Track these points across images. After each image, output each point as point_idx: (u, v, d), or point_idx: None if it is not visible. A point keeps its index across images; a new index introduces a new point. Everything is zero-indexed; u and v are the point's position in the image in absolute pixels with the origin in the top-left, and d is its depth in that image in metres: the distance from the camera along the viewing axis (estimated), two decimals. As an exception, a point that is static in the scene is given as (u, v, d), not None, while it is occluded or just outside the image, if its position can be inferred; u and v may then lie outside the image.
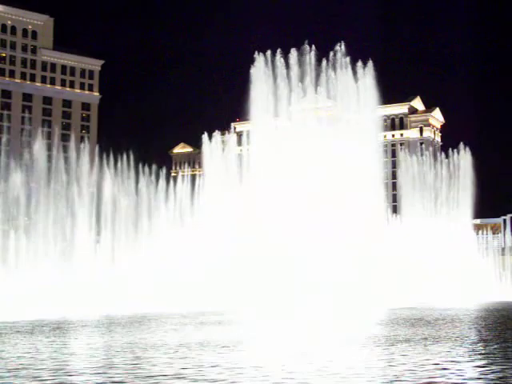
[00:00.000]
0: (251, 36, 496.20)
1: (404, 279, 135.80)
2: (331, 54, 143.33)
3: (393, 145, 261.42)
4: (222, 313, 70.19)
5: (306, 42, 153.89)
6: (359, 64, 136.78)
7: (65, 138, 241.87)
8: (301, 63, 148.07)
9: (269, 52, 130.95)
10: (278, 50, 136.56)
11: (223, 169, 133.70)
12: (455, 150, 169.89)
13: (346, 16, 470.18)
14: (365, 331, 52.03)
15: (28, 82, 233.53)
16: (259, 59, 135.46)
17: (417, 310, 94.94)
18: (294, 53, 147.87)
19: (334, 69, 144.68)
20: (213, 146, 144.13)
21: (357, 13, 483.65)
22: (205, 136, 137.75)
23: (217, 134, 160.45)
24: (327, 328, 56.02)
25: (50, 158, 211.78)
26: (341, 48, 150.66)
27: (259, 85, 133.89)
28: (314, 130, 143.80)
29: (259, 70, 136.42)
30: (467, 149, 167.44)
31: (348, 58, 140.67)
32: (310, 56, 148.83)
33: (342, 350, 35.80)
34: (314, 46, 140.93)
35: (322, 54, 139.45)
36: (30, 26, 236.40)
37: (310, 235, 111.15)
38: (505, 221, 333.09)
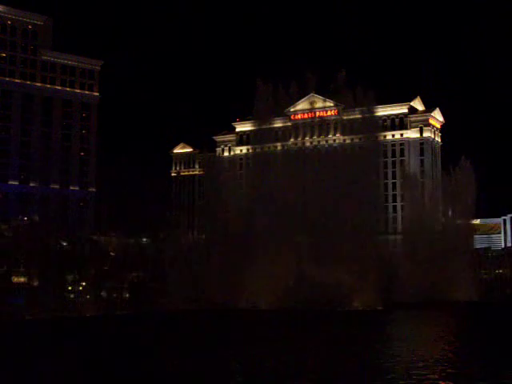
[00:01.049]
0: (253, 38, 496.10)
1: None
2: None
3: (393, 145, 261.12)
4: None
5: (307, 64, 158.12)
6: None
7: (65, 138, 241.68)
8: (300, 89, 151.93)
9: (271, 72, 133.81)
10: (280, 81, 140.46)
11: None
12: (457, 168, 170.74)
13: (347, 18, 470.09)
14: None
15: (28, 82, 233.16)
16: (261, 89, 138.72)
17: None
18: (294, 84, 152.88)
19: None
20: None
21: (357, 14, 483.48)
22: None
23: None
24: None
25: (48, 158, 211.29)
26: (342, 75, 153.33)
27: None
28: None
29: (262, 99, 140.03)
30: (468, 164, 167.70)
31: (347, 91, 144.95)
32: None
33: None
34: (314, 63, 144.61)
35: (324, 73, 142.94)
36: (30, 26, 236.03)
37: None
38: (505, 221, 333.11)
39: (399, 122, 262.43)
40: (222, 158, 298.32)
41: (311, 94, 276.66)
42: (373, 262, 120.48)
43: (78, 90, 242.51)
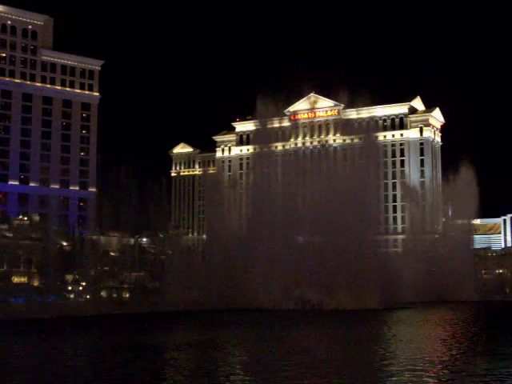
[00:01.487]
0: (253, 38, 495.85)
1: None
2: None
3: (393, 145, 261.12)
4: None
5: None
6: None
7: (65, 138, 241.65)
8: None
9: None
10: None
11: None
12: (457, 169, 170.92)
13: (348, 19, 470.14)
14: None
15: (28, 82, 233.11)
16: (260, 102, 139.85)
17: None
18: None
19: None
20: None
21: (357, 14, 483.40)
22: None
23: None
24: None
25: (48, 157, 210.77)
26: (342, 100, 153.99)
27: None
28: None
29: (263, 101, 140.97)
30: (468, 165, 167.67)
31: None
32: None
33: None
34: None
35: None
36: (30, 26, 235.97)
37: None
38: (505, 221, 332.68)
39: (399, 122, 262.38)
40: (222, 160, 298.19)
41: (311, 94, 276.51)
42: (373, 264, 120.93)
43: (78, 90, 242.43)
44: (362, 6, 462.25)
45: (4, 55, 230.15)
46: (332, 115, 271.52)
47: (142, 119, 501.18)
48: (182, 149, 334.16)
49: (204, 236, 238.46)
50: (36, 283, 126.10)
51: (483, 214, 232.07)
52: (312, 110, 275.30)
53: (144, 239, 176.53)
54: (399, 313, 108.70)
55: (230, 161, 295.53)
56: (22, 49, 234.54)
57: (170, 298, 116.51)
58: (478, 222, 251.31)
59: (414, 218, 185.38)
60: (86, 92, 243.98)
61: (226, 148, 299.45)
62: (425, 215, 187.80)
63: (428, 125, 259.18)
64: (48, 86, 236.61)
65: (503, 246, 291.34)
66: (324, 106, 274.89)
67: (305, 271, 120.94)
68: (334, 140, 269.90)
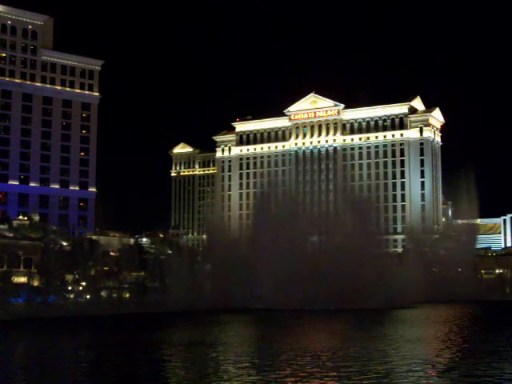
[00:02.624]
0: (253, 38, 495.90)
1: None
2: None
3: (393, 145, 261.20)
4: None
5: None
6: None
7: (65, 138, 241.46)
8: None
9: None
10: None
11: None
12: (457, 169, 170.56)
13: (348, 19, 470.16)
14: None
15: (28, 82, 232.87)
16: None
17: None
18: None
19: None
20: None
21: (358, 14, 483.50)
22: None
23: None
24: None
25: (48, 157, 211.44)
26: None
27: None
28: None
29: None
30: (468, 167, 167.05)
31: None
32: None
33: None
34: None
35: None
36: (30, 26, 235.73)
37: None
38: (505, 221, 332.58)
39: (399, 122, 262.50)
40: (222, 160, 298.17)
41: (311, 94, 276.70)
42: (374, 265, 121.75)
43: (78, 90, 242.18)
44: (361, 6, 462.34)
45: (4, 55, 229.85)
46: (332, 115, 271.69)
47: (142, 119, 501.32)
48: (181, 149, 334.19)
49: (204, 236, 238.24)
50: (36, 283, 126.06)
51: (483, 214, 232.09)
52: (312, 110, 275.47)
53: (144, 239, 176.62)
54: (400, 313, 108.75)
55: (229, 161, 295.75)
56: (22, 49, 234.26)
57: (169, 297, 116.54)
58: (478, 221, 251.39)
59: (414, 219, 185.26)
60: (86, 92, 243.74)
61: (226, 148, 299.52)
62: (425, 217, 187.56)
63: (428, 125, 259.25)
64: (48, 86, 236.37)
65: (503, 246, 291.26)
66: (324, 106, 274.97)
67: (308, 273, 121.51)
68: (334, 140, 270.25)
